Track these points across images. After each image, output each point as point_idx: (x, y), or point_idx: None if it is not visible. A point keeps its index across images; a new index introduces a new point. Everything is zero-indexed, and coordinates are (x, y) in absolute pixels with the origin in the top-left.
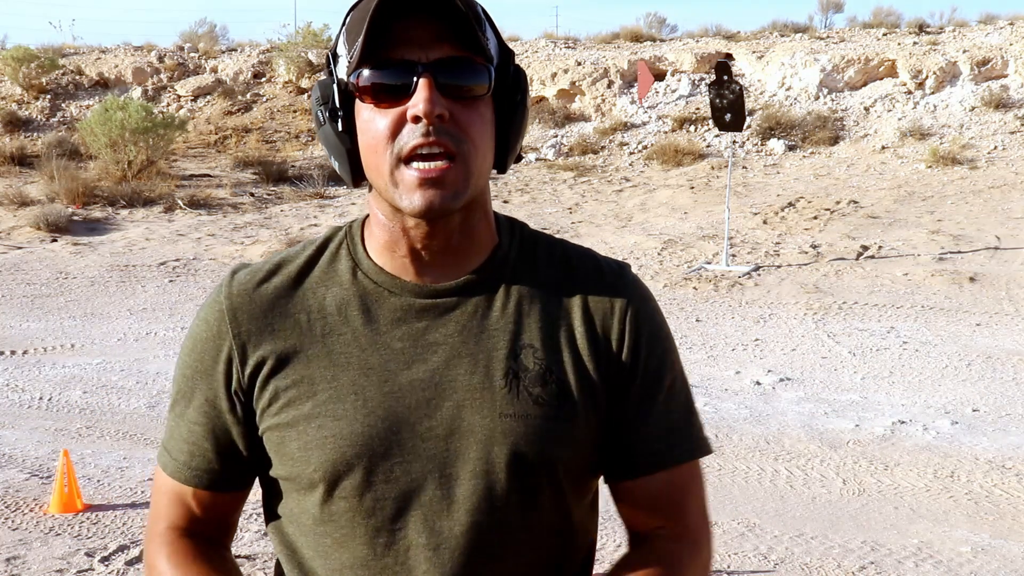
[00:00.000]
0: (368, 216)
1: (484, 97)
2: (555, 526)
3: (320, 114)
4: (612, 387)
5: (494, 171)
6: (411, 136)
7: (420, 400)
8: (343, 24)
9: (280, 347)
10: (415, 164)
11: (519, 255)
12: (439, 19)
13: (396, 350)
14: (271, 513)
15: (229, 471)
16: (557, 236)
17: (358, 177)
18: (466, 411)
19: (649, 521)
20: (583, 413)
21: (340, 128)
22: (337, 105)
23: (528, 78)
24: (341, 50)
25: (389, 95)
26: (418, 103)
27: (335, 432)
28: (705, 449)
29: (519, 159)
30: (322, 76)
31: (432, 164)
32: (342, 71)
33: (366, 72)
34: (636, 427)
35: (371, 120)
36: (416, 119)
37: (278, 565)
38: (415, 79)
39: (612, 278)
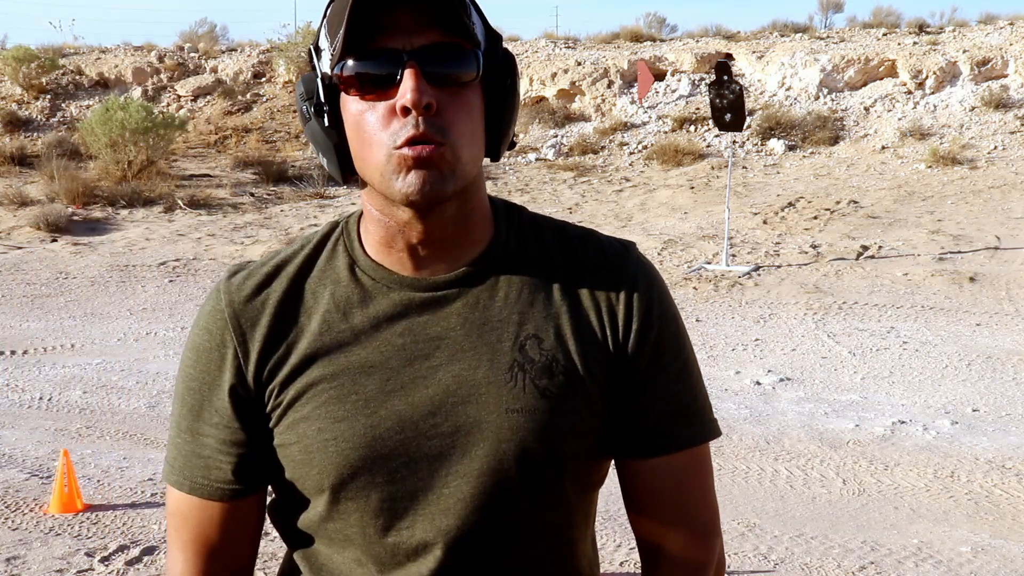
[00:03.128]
0: (363, 212)
1: (472, 83)
2: (562, 520)
3: (305, 109)
4: (622, 371)
5: (488, 160)
6: (402, 129)
7: (423, 397)
8: (324, 16)
9: (283, 351)
10: (407, 149)
11: (519, 242)
12: (422, 4)
13: (397, 346)
14: (281, 509)
15: (248, 479)
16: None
17: (347, 172)
18: (471, 407)
19: (658, 521)
20: (590, 403)
21: (327, 123)
22: (322, 99)
23: (518, 65)
24: (323, 43)
25: (375, 86)
26: (405, 93)
27: (336, 434)
28: (715, 431)
29: (512, 146)
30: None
31: (423, 147)
32: (325, 65)
33: (350, 63)
34: (647, 409)
35: (360, 114)
36: (405, 110)
37: (288, 558)
38: (400, 68)
39: (616, 260)
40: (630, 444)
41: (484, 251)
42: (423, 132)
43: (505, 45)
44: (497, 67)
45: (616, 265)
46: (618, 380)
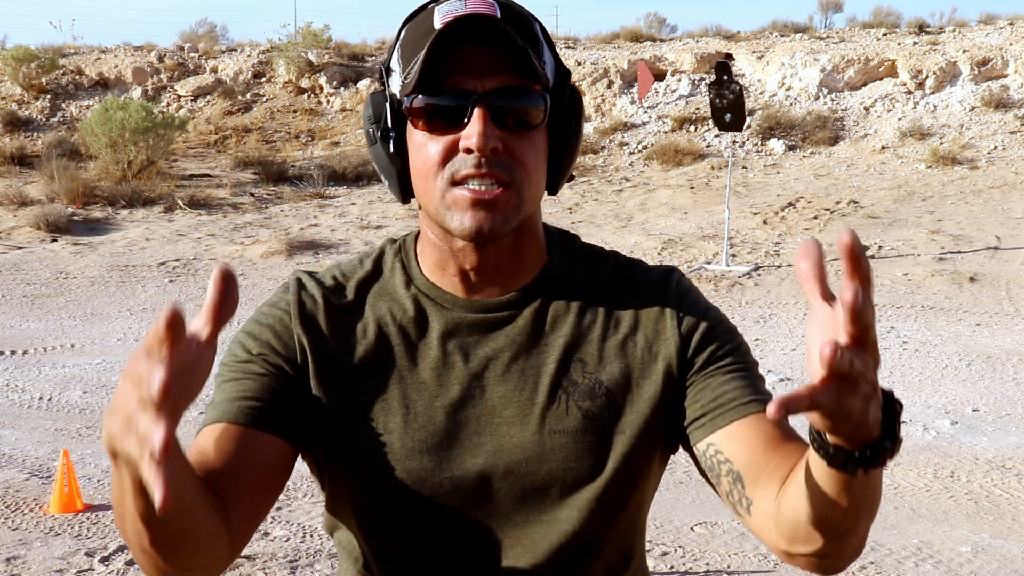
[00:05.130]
0: (420, 232)
1: (539, 126)
2: (604, 537)
3: (372, 132)
4: (674, 389)
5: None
6: (463, 164)
7: (469, 416)
8: (398, 37)
9: (337, 359)
10: (467, 185)
11: (570, 270)
12: (496, 47)
13: (447, 364)
14: (337, 507)
15: (272, 413)
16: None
17: (407, 195)
18: (515, 427)
19: (772, 455)
20: (634, 425)
21: (392, 149)
22: (389, 126)
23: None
24: (395, 65)
25: (443, 123)
26: (472, 136)
27: (382, 446)
28: None
29: (571, 179)
30: (375, 88)
31: (484, 186)
32: (395, 85)
33: (420, 98)
34: (716, 392)
35: (423, 145)
36: (469, 151)
37: (343, 562)
38: (470, 109)
39: (661, 282)
40: (710, 421)
41: (536, 277)
42: (488, 172)
43: (573, 82)
44: (564, 106)
45: (661, 287)
46: (674, 397)
